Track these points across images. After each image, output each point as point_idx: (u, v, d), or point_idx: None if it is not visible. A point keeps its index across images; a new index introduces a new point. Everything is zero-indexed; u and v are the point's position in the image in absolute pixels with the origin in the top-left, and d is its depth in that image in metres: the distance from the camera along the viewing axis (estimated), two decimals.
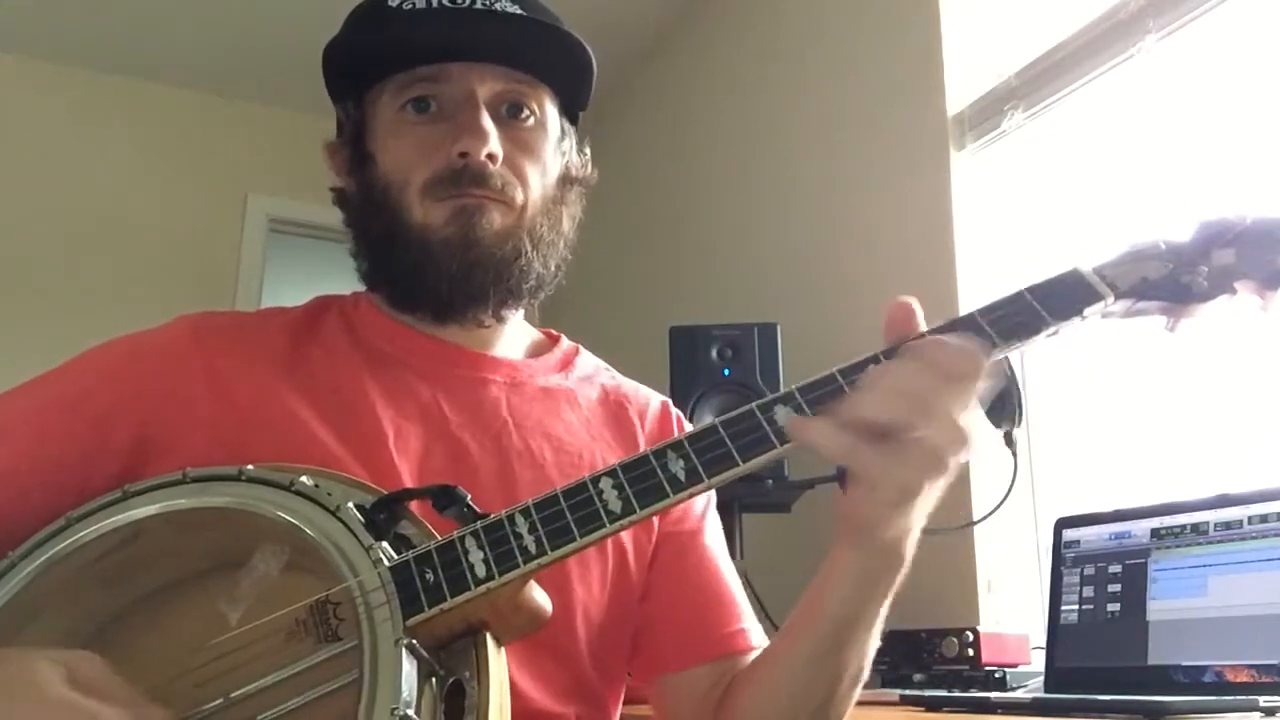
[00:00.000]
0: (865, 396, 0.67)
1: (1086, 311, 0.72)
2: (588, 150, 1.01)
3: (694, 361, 2.03)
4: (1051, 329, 0.71)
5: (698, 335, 2.06)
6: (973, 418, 0.68)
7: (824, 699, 0.81)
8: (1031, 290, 0.73)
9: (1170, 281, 0.73)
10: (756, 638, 0.95)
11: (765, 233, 2.67)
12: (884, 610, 0.78)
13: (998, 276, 1.99)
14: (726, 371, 2.04)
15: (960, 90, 2.11)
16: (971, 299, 1.90)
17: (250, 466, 0.75)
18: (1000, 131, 2.02)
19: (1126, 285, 0.73)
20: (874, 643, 0.80)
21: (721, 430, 0.70)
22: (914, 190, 2.15)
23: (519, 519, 0.68)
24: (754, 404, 0.70)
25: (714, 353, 2.05)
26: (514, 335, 0.99)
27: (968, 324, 0.71)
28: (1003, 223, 2.05)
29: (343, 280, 1.02)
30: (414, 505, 0.74)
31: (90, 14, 3.27)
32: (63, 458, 0.82)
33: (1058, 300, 0.72)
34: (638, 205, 3.23)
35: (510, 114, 0.92)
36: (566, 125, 0.99)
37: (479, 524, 0.69)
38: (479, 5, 0.89)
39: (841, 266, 2.34)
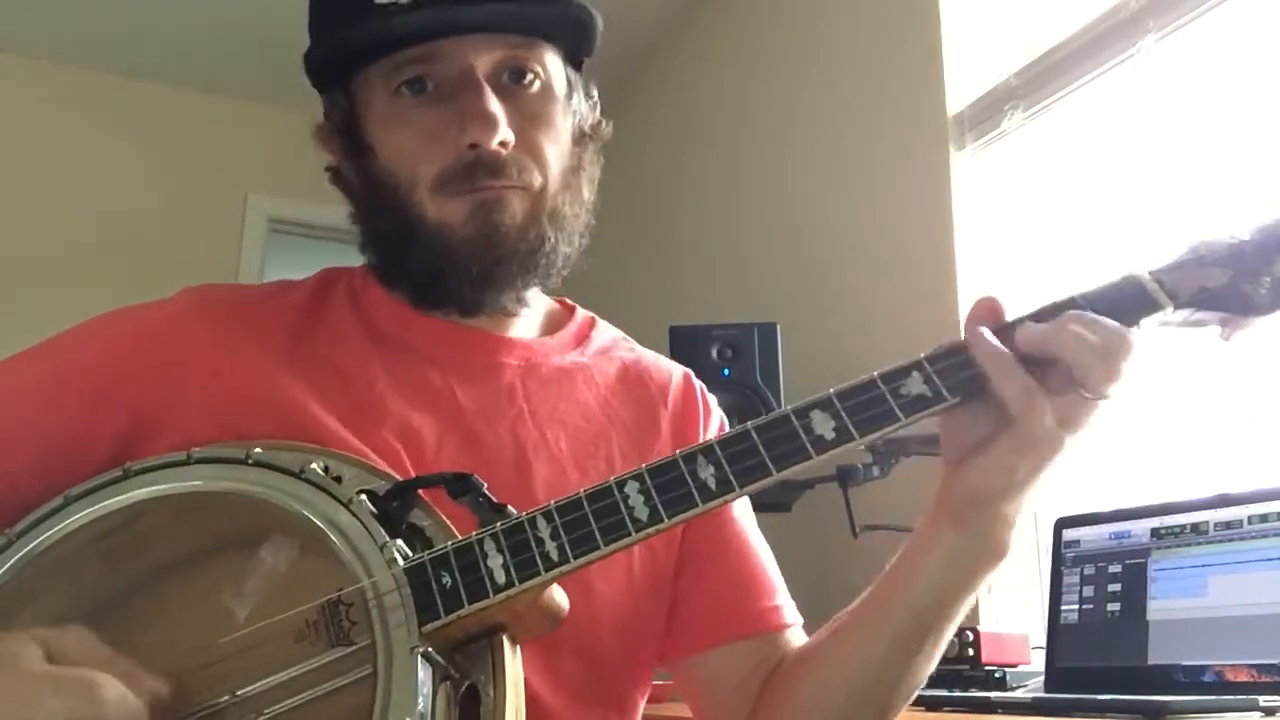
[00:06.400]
0: (1057, 334, 0.65)
1: (1144, 322, 0.67)
2: (595, 93, 0.94)
3: (694, 361, 2.01)
4: None
5: (698, 335, 2.07)
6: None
7: (886, 700, 0.78)
8: (1086, 296, 0.68)
9: (1230, 291, 0.68)
10: (791, 615, 0.90)
11: (765, 233, 2.67)
12: (966, 608, 0.74)
13: (998, 276, 1.99)
14: (726, 371, 2.04)
15: (960, 90, 2.12)
16: (971, 299, 1.87)
17: (258, 449, 0.72)
18: (1000, 131, 2.02)
19: (1187, 295, 0.68)
20: (940, 652, 0.77)
21: (755, 436, 0.66)
22: (914, 190, 2.16)
23: (540, 522, 0.65)
24: (789, 409, 0.67)
25: (714, 353, 2.05)
26: (530, 309, 0.93)
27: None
28: (1002, 223, 2.06)
29: None
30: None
31: (90, 14, 3.27)
32: (57, 437, 0.79)
33: (1114, 308, 0.67)
34: (638, 205, 3.23)
35: (513, 79, 0.85)
36: (572, 75, 0.91)
37: (499, 526, 0.66)
38: None
39: (841, 266, 2.34)
